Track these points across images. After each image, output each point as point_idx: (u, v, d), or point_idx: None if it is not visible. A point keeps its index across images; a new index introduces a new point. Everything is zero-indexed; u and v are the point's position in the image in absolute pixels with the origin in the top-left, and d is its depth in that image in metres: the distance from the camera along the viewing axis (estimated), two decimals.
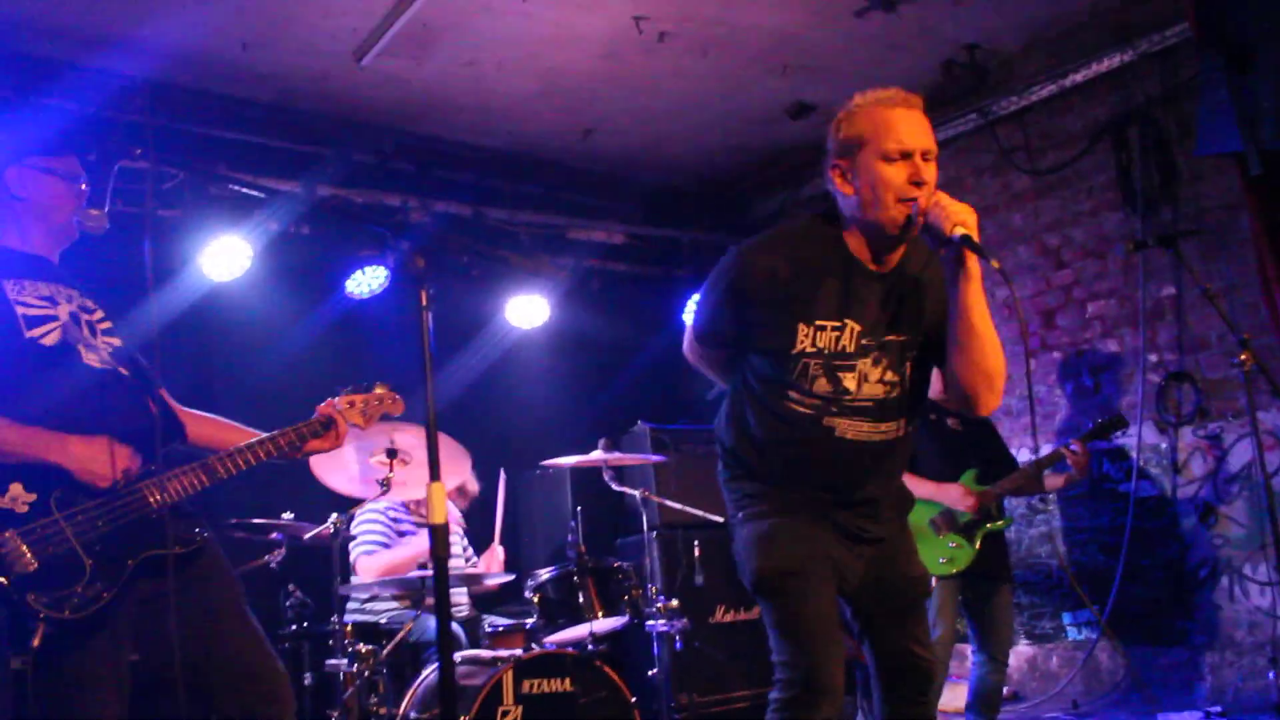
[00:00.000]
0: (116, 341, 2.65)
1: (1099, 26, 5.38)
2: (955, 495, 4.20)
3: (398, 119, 5.71)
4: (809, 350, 2.36)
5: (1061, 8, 5.29)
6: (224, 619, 2.45)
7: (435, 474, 2.04)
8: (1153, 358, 5.35)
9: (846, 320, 2.36)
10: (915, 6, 5.11)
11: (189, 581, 2.42)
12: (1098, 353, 5.55)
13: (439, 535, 1.97)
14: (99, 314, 2.69)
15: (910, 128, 2.29)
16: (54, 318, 2.56)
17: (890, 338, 2.40)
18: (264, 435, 2.61)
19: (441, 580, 1.98)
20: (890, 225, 2.30)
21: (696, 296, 2.58)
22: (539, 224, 6.47)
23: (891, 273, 2.39)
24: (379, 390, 2.78)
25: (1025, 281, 5.93)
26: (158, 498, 2.40)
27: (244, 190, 5.31)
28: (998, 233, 6.05)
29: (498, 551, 4.64)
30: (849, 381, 2.39)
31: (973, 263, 2.22)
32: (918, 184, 2.26)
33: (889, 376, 2.41)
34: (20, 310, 2.53)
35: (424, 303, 2.13)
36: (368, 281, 5.59)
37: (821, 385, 2.39)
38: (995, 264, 2.07)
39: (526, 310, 6.25)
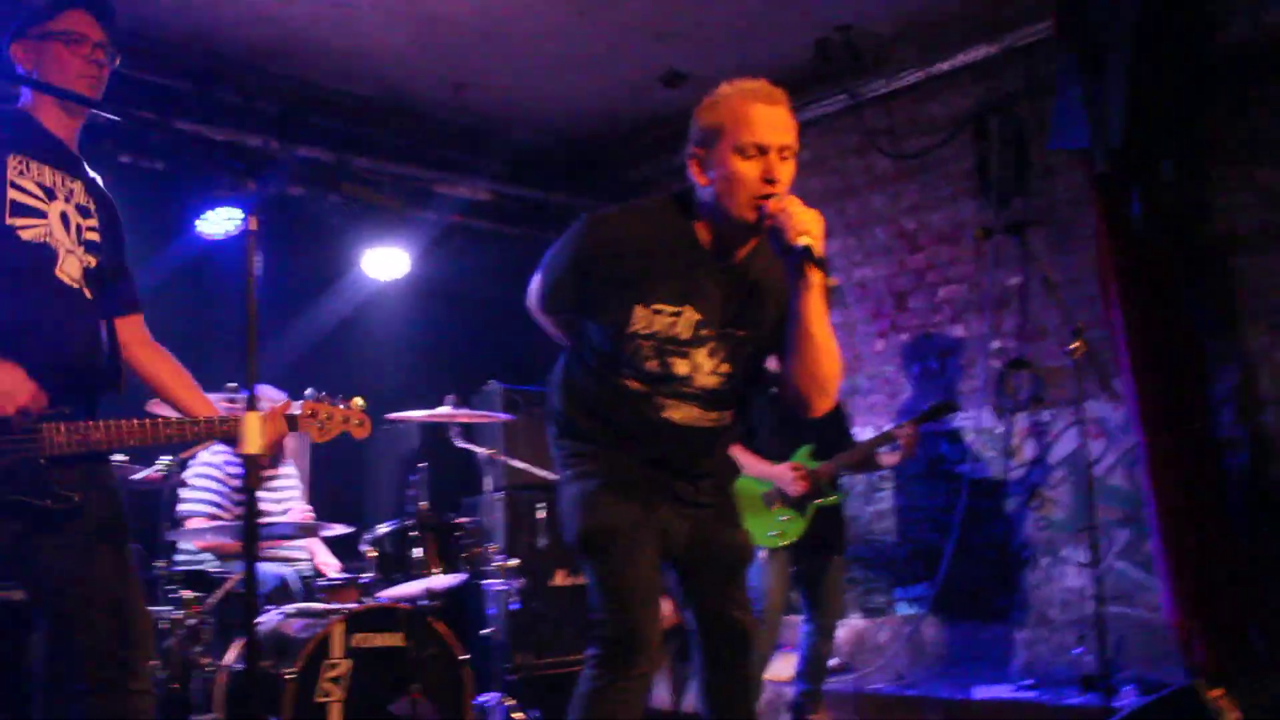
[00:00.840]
0: (92, 261, 2.53)
1: (970, 18, 5.39)
2: (787, 477, 4.21)
3: (263, 57, 5.56)
4: (643, 332, 2.37)
5: None
6: (98, 561, 2.36)
7: (252, 404, 2.05)
8: (996, 344, 5.42)
9: (685, 308, 2.37)
10: None
11: (62, 530, 2.33)
12: (945, 337, 5.62)
13: (250, 465, 1.98)
14: (92, 221, 2.57)
15: (769, 123, 2.27)
16: (43, 213, 2.46)
17: (729, 331, 2.41)
18: (185, 418, 2.48)
19: (250, 517, 1.99)
20: (739, 222, 2.30)
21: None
22: (405, 176, 6.37)
23: (738, 266, 2.39)
24: (349, 407, 2.62)
25: (880, 263, 5.99)
26: (51, 444, 2.30)
27: (103, 115, 5.21)
28: (859, 213, 6.08)
29: (303, 511, 4.56)
30: (680, 367, 2.40)
31: (814, 273, 2.22)
32: (770, 182, 2.26)
33: (723, 369, 2.43)
34: (11, 194, 2.41)
35: (252, 228, 2.10)
36: (221, 222, 5.46)
37: (653, 366, 2.41)
38: (833, 282, 2.19)
39: (386, 262, 6.19)
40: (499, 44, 5.50)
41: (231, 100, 5.60)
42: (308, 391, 2.65)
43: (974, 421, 5.39)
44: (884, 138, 5.93)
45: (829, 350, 2.27)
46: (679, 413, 2.44)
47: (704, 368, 2.41)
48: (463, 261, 6.69)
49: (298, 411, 2.57)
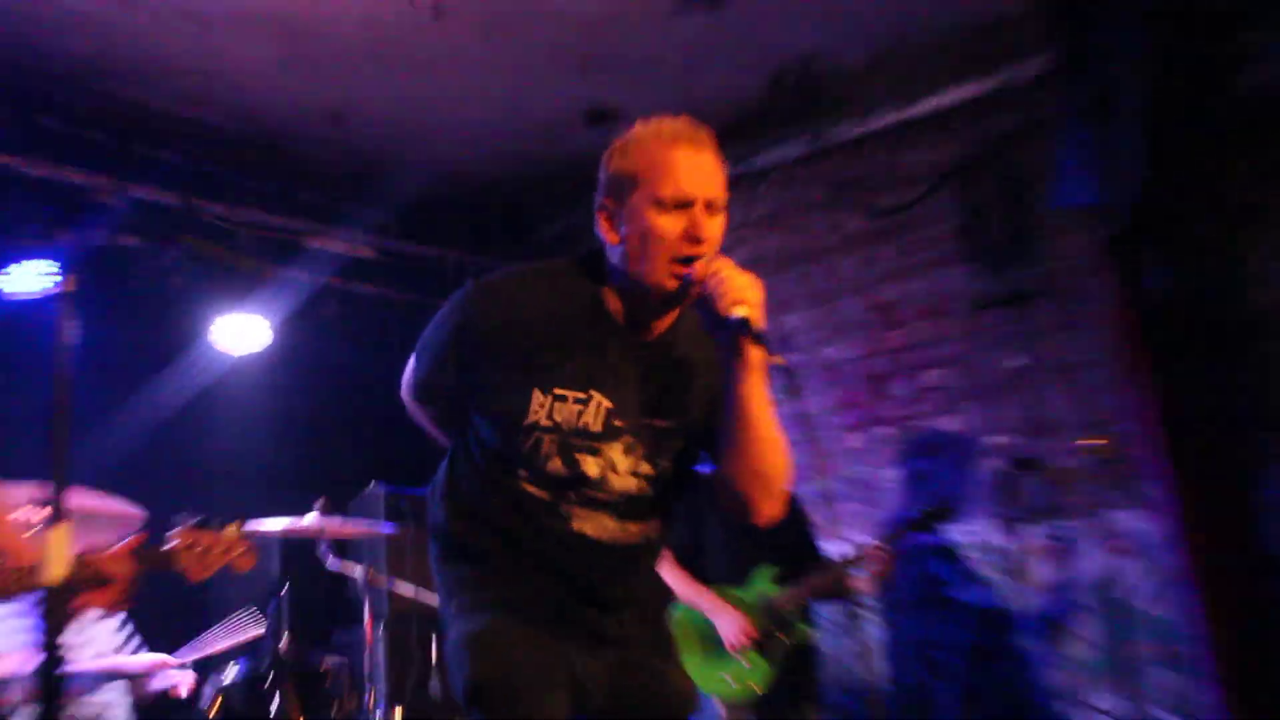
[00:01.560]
0: None
1: (955, 50, 5.42)
2: (729, 626, 4.14)
3: (94, 75, 5.44)
4: (543, 423, 2.34)
5: (912, 25, 5.34)
6: None
7: (60, 515, 1.98)
8: (997, 439, 5.38)
9: (593, 393, 2.35)
10: (743, 7, 5.13)
11: None
12: (934, 431, 5.58)
13: (53, 598, 1.89)
14: None
15: (694, 171, 2.26)
16: None
17: (648, 422, 2.39)
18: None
19: (50, 663, 1.91)
20: (657, 289, 2.28)
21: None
22: (268, 226, 6.32)
23: (657, 342, 2.38)
24: (229, 532, 2.58)
25: (853, 341, 5.91)
26: None
27: None
28: (825, 280, 6.04)
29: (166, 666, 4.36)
30: (590, 467, 2.37)
31: (752, 350, 2.21)
32: (694, 241, 2.24)
33: (643, 469, 2.41)
34: None
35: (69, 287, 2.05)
36: (31, 278, 4.90)
37: (556, 466, 2.37)
38: (779, 360, 2.15)
39: (242, 332, 6.09)
40: (385, 65, 5.49)
41: (53, 127, 5.54)
42: (179, 516, 2.63)
43: (974, 535, 5.39)
44: (855, 190, 5.92)
45: (773, 442, 2.26)
46: (591, 525, 2.42)
47: (620, 467, 2.39)
48: (339, 333, 6.64)
49: (172, 544, 2.52)
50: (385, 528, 5.02)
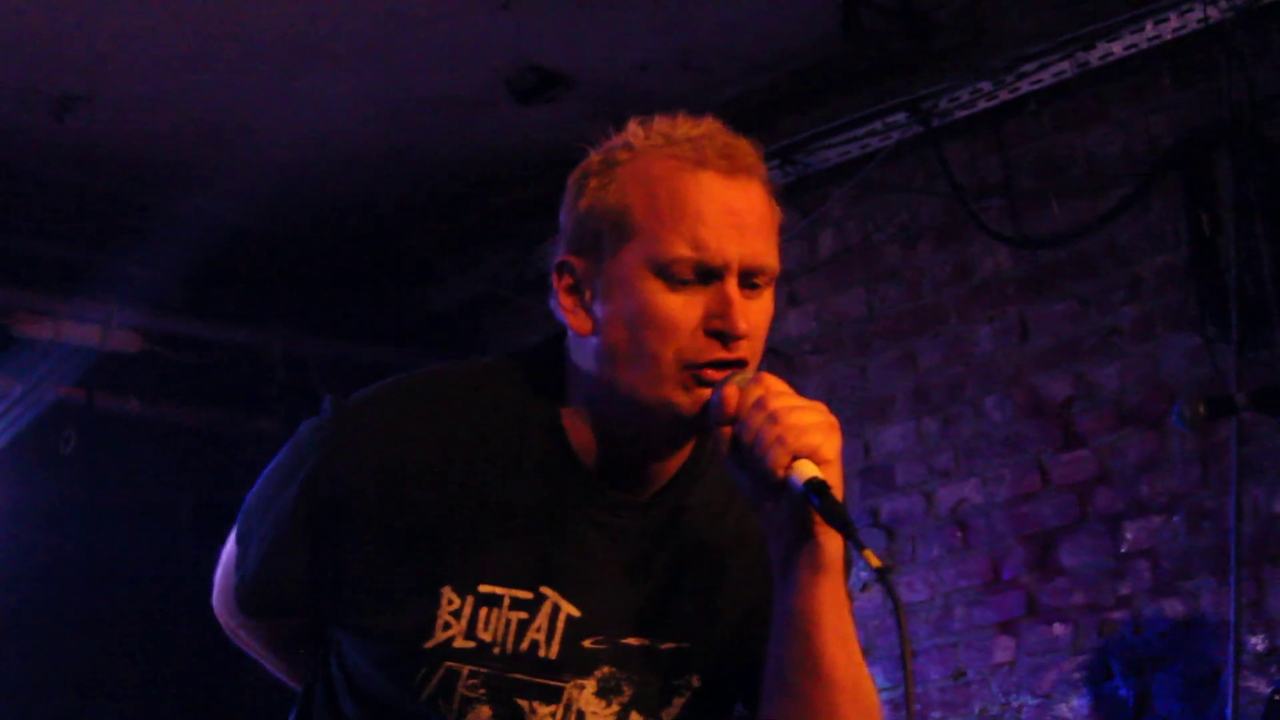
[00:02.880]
0: None
1: None
2: None
3: None
4: (458, 646, 2.20)
5: None
6: None
7: None
8: (1256, 640, 5.14)
9: (547, 591, 2.24)
10: None
11: None
12: (1146, 624, 5.35)
13: None
14: None
15: (729, 215, 2.10)
16: None
17: (642, 643, 2.27)
18: None
19: None
20: (660, 415, 2.15)
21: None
22: None
23: (653, 506, 2.25)
24: None
25: (997, 473, 5.70)
26: None
27: None
28: (941, 362, 5.85)
29: None
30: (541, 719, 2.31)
31: (827, 536, 2.07)
32: (727, 337, 2.10)
33: (662, 715, 2.31)
34: None
35: None
36: None
37: (482, 718, 2.28)
38: (873, 560, 1.95)
39: None
40: (155, 18, 5.28)
41: None
42: None
43: None
44: (992, 202, 5.75)
45: (855, 686, 2.14)
46: None
47: (590, 717, 2.29)
48: (78, 488, 6.42)
49: None
50: None
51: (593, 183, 2.23)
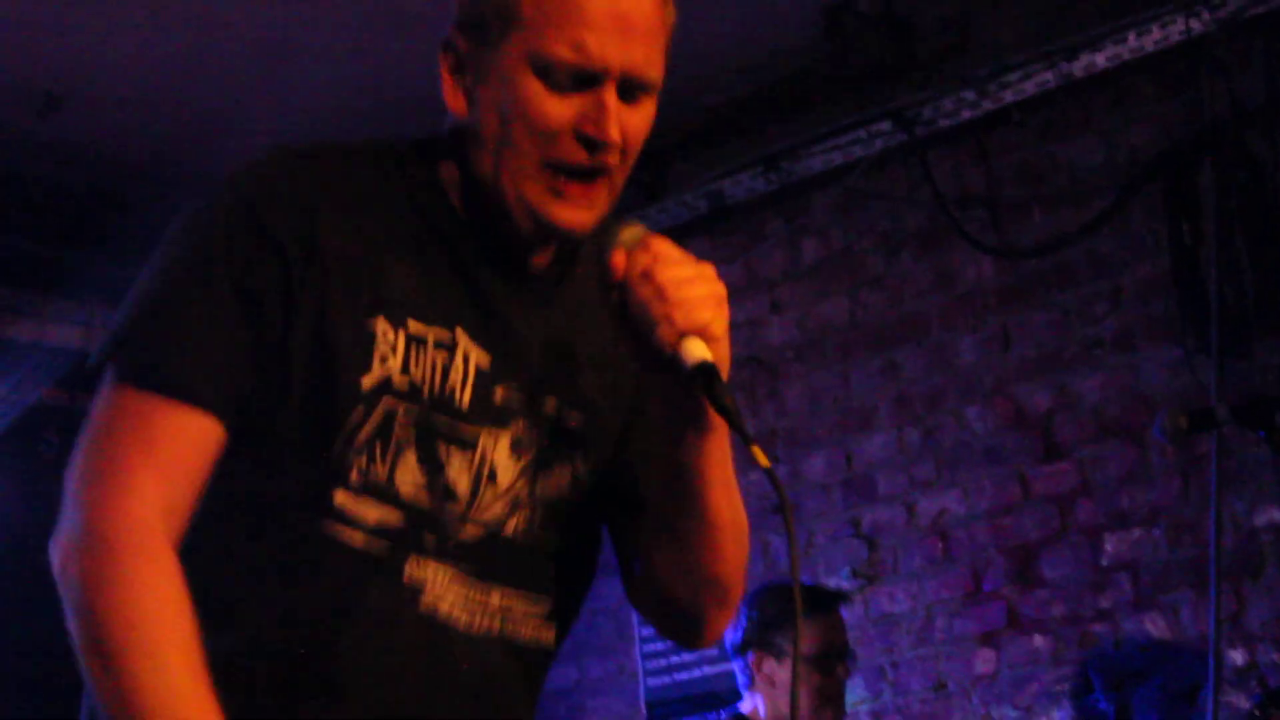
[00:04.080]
0: None
1: None
2: None
3: None
4: (396, 382, 2.15)
5: None
6: None
7: None
8: (1236, 654, 5.25)
9: (459, 335, 2.22)
10: None
11: None
12: (1126, 637, 5.43)
13: None
14: None
15: (618, 19, 2.12)
16: None
17: (550, 402, 2.26)
18: None
19: None
20: (519, 209, 2.16)
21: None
22: None
23: (542, 280, 2.27)
24: None
25: (979, 484, 5.74)
26: None
27: None
28: (925, 372, 5.89)
29: None
30: (458, 471, 2.22)
31: (712, 416, 2.12)
32: (597, 145, 2.10)
33: (519, 486, 2.27)
34: None
35: None
36: None
37: (408, 472, 2.19)
38: (762, 458, 1.98)
39: None
40: (145, 7, 5.33)
41: None
42: None
43: None
44: (975, 210, 5.78)
45: (736, 529, 2.25)
46: (456, 598, 2.22)
47: (502, 479, 2.24)
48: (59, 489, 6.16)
49: None
50: None
51: None
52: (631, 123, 2.18)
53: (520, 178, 2.19)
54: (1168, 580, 5.47)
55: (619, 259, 2.13)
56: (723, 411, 2.08)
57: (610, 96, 2.14)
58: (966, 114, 5.87)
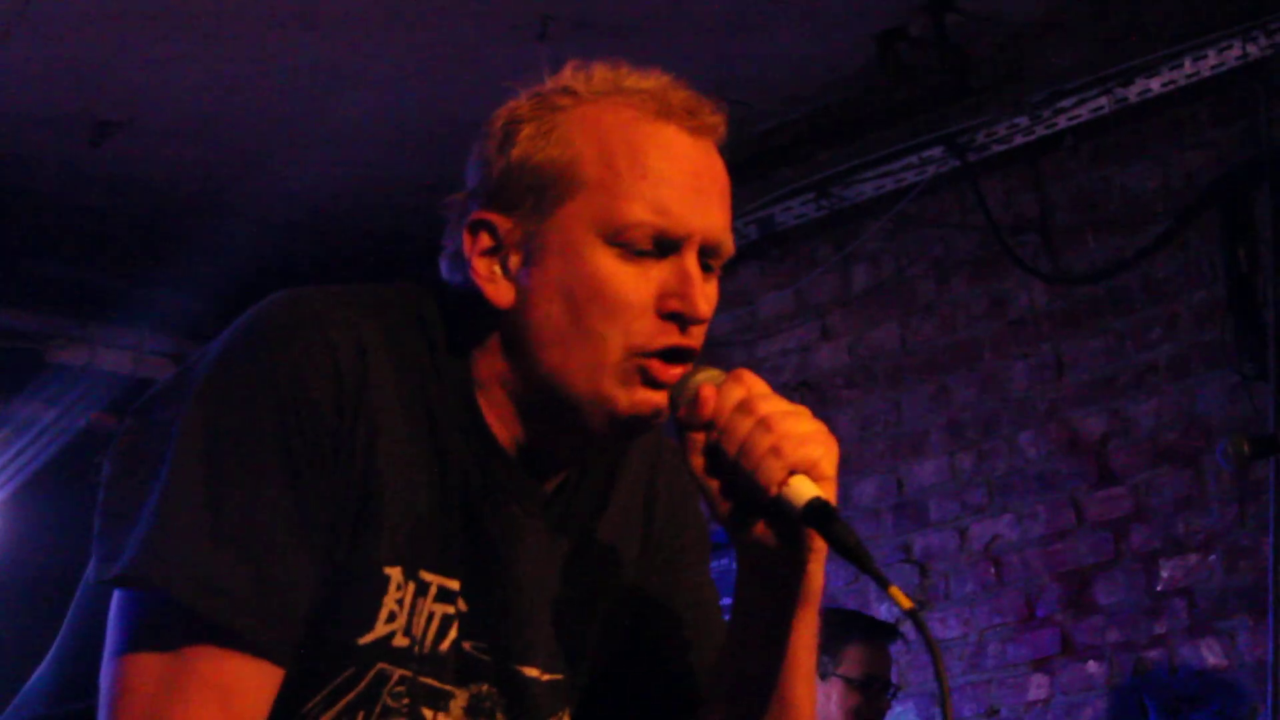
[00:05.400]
0: None
1: None
2: None
3: None
4: (396, 644, 1.95)
5: None
6: None
7: None
8: None
9: (459, 582, 2.04)
10: None
11: None
12: (1181, 664, 5.38)
13: None
14: None
15: (694, 179, 1.92)
16: None
17: (526, 668, 2.08)
18: None
19: None
20: (595, 412, 1.94)
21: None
22: None
23: (566, 502, 2.08)
24: None
25: (1031, 509, 5.70)
26: None
27: None
28: (977, 398, 5.91)
29: None
30: None
31: (817, 567, 1.95)
32: (687, 322, 1.91)
33: None
34: None
35: None
36: None
37: None
38: (903, 600, 1.76)
39: None
40: (196, 37, 5.36)
41: None
42: None
43: None
44: (1028, 237, 5.81)
45: None
46: None
47: None
48: None
49: None
50: None
51: (526, 130, 1.97)
52: (710, 297, 2.00)
53: (599, 371, 1.98)
54: (1224, 606, 5.42)
55: (709, 393, 1.94)
56: (847, 552, 1.89)
57: (694, 265, 1.96)
58: (1019, 139, 5.88)
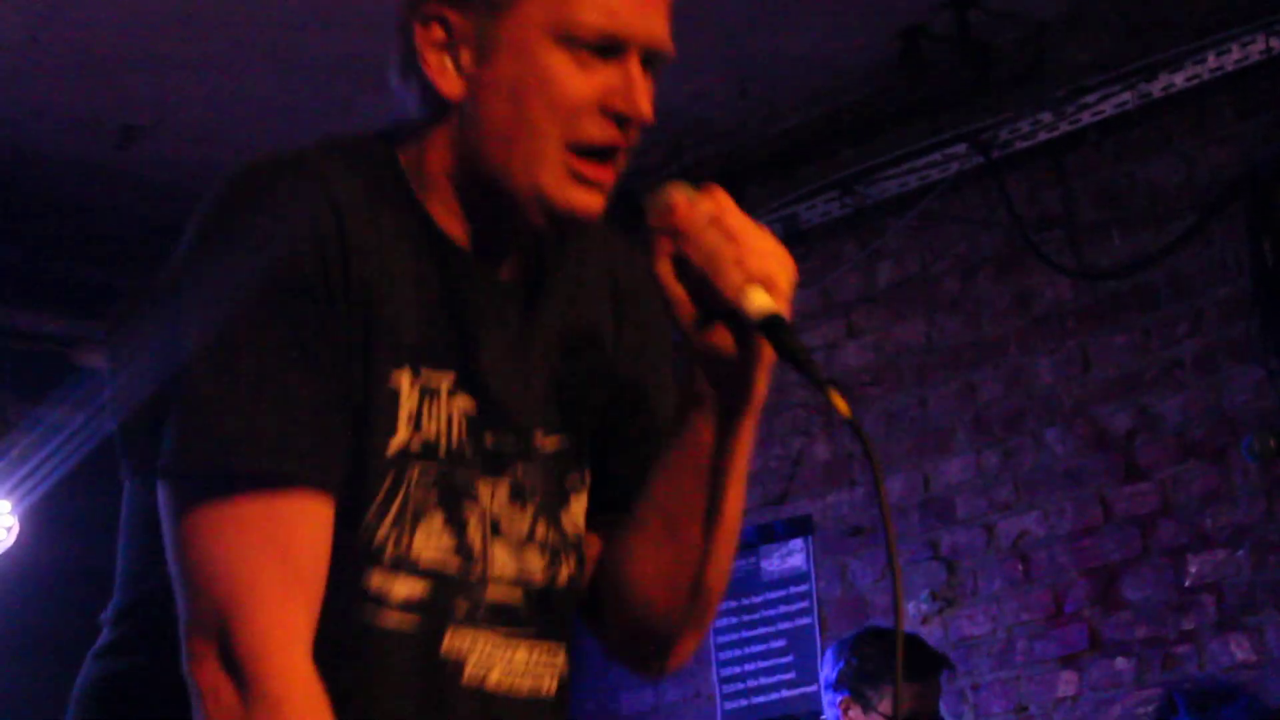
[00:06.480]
0: None
1: None
2: None
3: None
4: (419, 442, 2.02)
5: None
6: None
7: None
8: None
9: (457, 379, 2.10)
10: None
11: None
12: (1210, 659, 5.39)
13: None
14: None
15: None
16: None
17: (542, 438, 2.15)
18: None
19: None
20: (532, 201, 2.00)
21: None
22: (7, 331, 6.29)
23: (525, 284, 2.14)
24: None
25: (1058, 505, 5.72)
26: None
27: None
28: (1003, 395, 5.89)
29: None
30: (474, 530, 2.09)
31: (762, 378, 1.99)
32: (626, 121, 1.96)
33: (546, 532, 2.15)
34: None
35: None
36: None
37: (435, 538, 2.05)
38: (842, 407, 1.85)
39: None
40: (223, 42, 5.38)
41: None
42: None
43: None
44: (1053, 232, 5.82)
45: (736, 531, 2.15)
46: (495, 662, 2.10)
47: (509, 530, 2.11)
48: None
49: None
50: None
51: None
52: (650, 98, 2.07)
53: (537, 164, 2.04)
54: (1252, 601, 5.44)
55: (681, 201, 1.99)
56: (793, 357, 1.95)
57: (636, 68, 2.02)
58: (1043, 136, 5.91)
